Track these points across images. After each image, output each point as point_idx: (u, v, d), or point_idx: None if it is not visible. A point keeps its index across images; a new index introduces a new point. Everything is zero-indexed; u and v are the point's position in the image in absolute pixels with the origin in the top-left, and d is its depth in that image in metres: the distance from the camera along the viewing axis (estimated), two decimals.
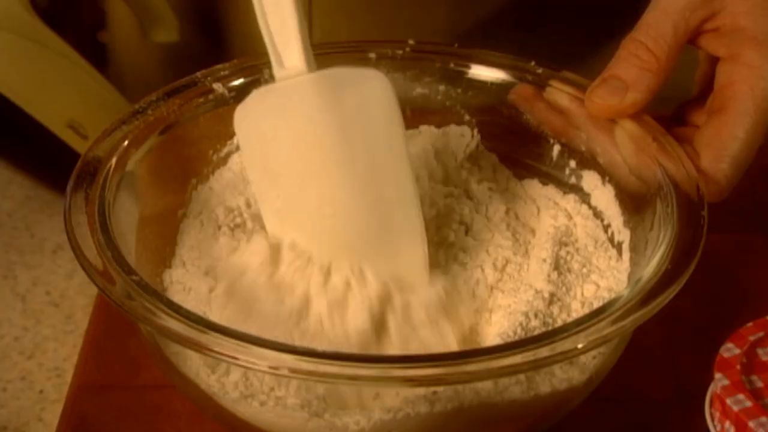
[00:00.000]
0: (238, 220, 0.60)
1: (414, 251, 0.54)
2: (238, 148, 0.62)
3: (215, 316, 0.54)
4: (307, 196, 0.54)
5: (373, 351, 0.52)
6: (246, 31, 0.79)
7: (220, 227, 0.59)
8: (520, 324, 0.54)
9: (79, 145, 0.83)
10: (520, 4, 0.80)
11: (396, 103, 0.54)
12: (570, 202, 0.62)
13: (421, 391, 0.49)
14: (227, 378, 0.51)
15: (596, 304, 0.56)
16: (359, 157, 0.53)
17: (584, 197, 0.62)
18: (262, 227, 0.56)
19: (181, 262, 0.58)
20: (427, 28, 0.80)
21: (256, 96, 0.55)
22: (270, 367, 0.46)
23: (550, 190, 0.63)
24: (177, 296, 0.56)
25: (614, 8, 0.74)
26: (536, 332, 0.53)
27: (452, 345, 0.53)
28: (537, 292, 0.56)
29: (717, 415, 0.55)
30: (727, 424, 0.54)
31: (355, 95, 0.54)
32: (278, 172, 0.54)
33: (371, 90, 0.54)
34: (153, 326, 0.47)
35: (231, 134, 0.61)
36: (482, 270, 0.57)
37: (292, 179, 0.54)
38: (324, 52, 0.65)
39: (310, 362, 0.45)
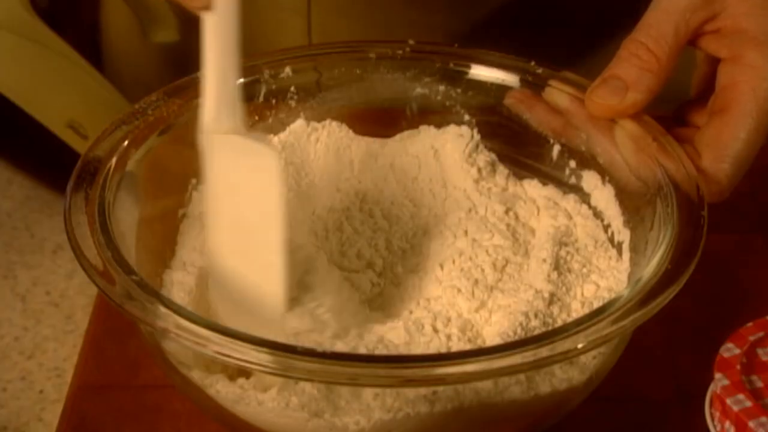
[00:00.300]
0: None
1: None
2: None
3: None
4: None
5: None
6: (245, 32, 0.79)
7: None
8: (520, 324, 0.53)
9: (79, 145, 0.83)
10: (519, 5, 0.80)
11: (278, 179, 0.52)
12: (570, 202, 0.62)
13: (421, 391, 0.49)
14: (227, 378, 0.51)
15: (596, 304, 0.56)
16: (234, 221, 0.53)
17: (584, 197, 0.62)
18: None
19: (182, 263, 0.58)
20: (427, 28, 0.80)
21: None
22: (270, 367, 0.46)
23: (550, 190, 0.63)
24: (177, 296, 0.56)
25: (614, 8, 0.74)
26: (536, 332, 0.53)
27: None
28: (537, 292, 0.56)
29: (717, 415, 0.55)
30: (727, 424, 0.54)
31: (246, 165, 0.53)
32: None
33: (259, 164, 0.52)
34: (153, 326, 0.47)
35: None
36: (482, 270, 0.57)
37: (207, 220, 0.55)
38: (324, 52, 0.65)
39: (310, 362, 0.45)
